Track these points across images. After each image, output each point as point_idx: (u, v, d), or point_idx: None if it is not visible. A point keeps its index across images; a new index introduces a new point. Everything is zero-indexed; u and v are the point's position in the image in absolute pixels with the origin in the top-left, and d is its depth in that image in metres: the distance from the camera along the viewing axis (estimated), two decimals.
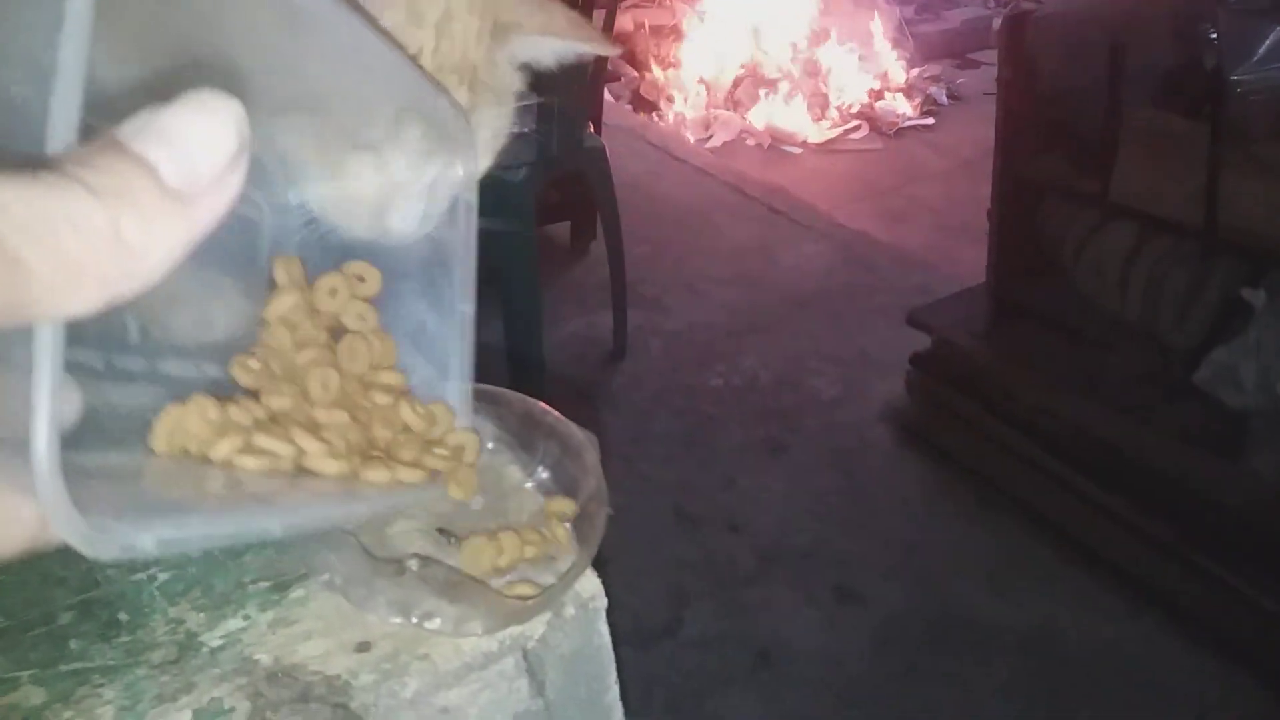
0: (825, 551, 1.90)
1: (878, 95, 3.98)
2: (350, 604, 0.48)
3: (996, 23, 3.10)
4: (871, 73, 4.04)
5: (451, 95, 0.46)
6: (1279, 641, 1.57)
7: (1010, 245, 2.11)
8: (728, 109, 3.94)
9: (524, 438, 0.57)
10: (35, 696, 0.44)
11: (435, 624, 0.46)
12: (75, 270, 0.21)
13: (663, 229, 3.00)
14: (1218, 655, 1.64)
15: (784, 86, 3.93)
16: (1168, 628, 1.70)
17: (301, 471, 0.42)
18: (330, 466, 0.43)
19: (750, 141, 3.81)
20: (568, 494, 0.54)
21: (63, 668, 0.45)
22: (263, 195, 0.48)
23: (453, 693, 0.47)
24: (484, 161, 0.49)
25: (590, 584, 0.51)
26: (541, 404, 0.56)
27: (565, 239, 2.88)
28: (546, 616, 0.49)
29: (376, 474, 0.45)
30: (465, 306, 0.50)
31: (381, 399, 0.48)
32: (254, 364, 0.44)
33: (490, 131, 0.50)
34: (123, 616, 0.48)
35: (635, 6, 4.12)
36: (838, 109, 3.91)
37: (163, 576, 0.50)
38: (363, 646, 0.47)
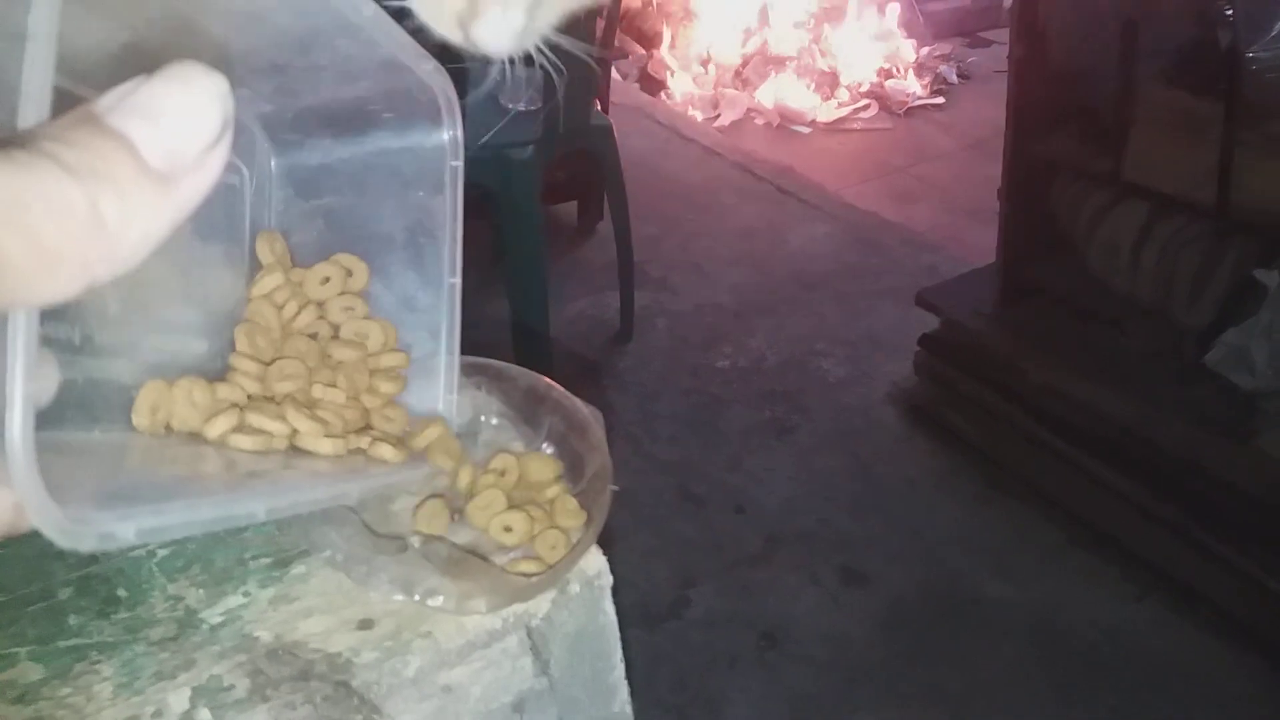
0: (831, 532, 1.89)
1: (887, 74, 3.94)
2: (352, 581, 0.47)
3: (1008, 1, 3.07)
4: (881, 51, 4.00)
5: (436, 60, 0.45)
6: None
7: (1021, 225, 2.09)
8: (736, 88, 3.91)
9: (528, 412, 0.56)
10: (33, 672, 0.43)
11: (438, 601, 0.45)
12: (50, 255, 0.20)
13: (670, 208, 2.98)
14: (1227, 637, 1.63)
15: (793, 65, 3.90)
16: (1176, 609, 1.69)
17: (295, 451, 0.42)
18: (325, 446, 0.42)
19: (759, 120, 3.79)
20: (573, 470, 0.53)
21: (61, 644, 0.45)
22: (243, 161, 0.47)
23: (456, 671, 0.46)
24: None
25: (595, 561, 0.50)
26: (546, 379, 0.56)
27: (572, 218, 2.87)
28: (551, 594, 0.48)
29: (379, 450, 0.45)
30: (452, 279, 0.49)
31: (386, 386, 0.48)
32: (251, 338, 0.44)
33: None
34: (122, 593, 0.47)
35: None
36: (847, 88, 3.88)
37: (162, 553, 0.50)
38: (365, 624, 0.46)
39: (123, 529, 0.28)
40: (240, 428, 0.40)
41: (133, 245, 0.21)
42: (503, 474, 0.52)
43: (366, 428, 0.46)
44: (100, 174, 0.21)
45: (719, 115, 3.80)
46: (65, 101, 0.22)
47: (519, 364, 0.57)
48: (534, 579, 0.47)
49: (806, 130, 3.72)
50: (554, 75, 0.45)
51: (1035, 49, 1.97)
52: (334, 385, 0.45)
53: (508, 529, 0.49)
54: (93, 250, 0.21)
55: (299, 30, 0.41)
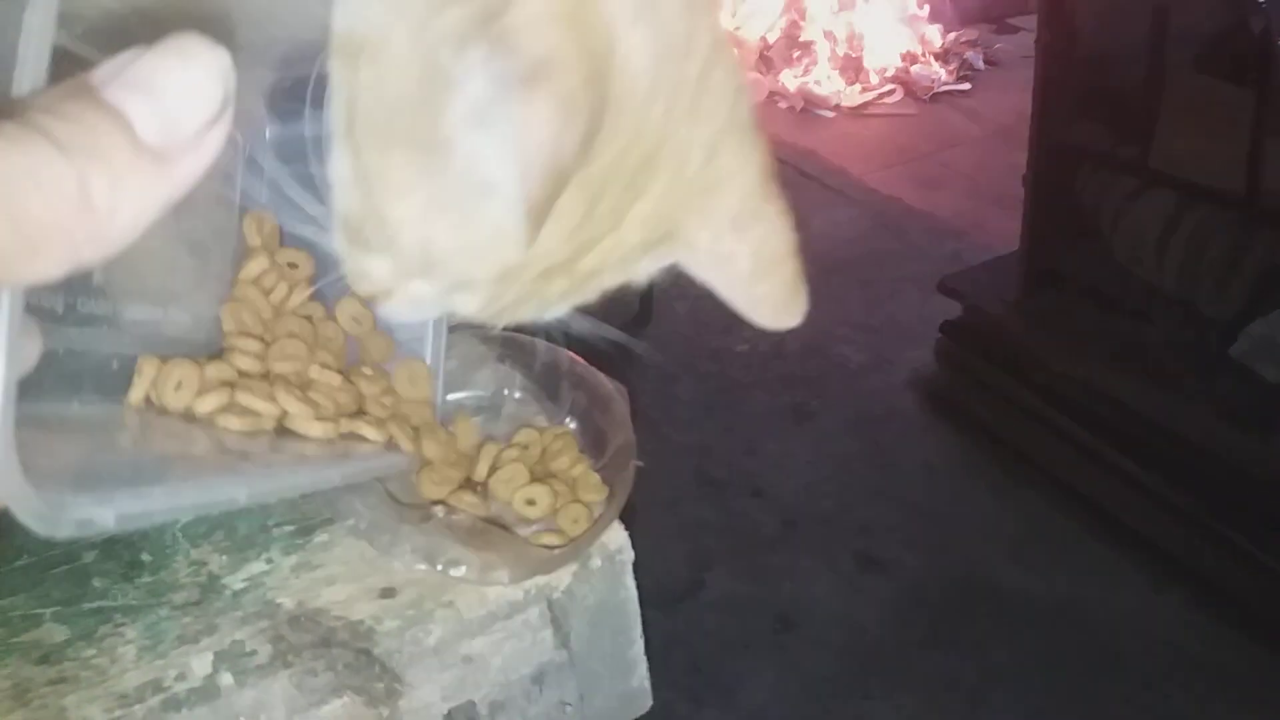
0: (848, 518, 1.89)
1: (913, 59, 3.91)
2: (375, 550, 0.47)
3: None
4: (907, 36, 3.97)
5: None
6: None
7: (1045, 212, 2.07)
8: (760, 71, 3.88)
9: (550, 387, 0.56)
10: (57, 634, 0.44)
11: (460, 571, 0.45)
12: (37, 234, 0.19)
13: None
14: (1245, 630, 1.62)
15: (817, 49, 3.87)
16: (1195, 602, 1.68)
17: (285, 433, 0.41)
18: (314, 429, 0.42)
19: (782, 104, 3.76)
20: (596, 445, 0.53)
21: (85, 606, 0.45)
22: (238, 128, 0.47)
23: (477, 641, 0.46)
24: None
25: (617, 536, 0.50)
26: (569, 353, 0.55)
27: None
28: (573, 567, 0.48)
29: (372, 432, 0.45)
30: None
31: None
32: (238, 318, 0.44)
33: None
34: (145, 557, 0.48)
35: None
36: (872, 72, 3.85)
37: (185, 518, 0.50)
38: (387, 592, 0.46)
39: (102, 514, 0.27)
40: (230, 407, 0.39)
41: (123, 226, 0.20)
42: (526, 448, 0.52)
43: (360, 411, 0.46)
44: (93, 151, 0.20)
45: None
46: (65, 62, 0.21)
47: None
48: (556, 551, 0.47)
49: (830, 114, 3.69)
50: None
51: (1063, 34, 1.95)
52: (329, 367, 0.45)
53: (530, 502, 0.49)
54: (81, 231, 0.20)
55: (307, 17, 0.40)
